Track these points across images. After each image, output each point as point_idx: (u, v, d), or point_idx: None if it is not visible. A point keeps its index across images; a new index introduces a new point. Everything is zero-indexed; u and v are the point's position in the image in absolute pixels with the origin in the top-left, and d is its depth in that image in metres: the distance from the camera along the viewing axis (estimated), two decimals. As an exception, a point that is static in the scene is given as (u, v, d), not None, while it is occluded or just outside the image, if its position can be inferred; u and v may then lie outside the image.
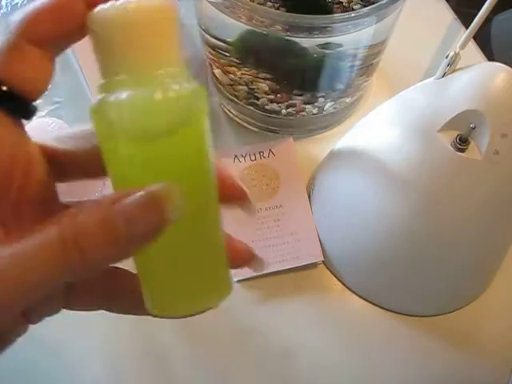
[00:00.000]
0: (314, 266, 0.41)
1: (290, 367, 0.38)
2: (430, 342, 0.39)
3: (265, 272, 0.40)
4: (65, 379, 0.37)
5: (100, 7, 0.15)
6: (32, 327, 0.39)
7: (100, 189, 0.36)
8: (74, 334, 0.38)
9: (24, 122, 0.17)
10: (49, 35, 0.15)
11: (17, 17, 0.15)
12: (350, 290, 0.41)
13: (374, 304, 0.40)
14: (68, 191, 0.33)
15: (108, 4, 0.15)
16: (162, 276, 0.19)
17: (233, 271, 0.43)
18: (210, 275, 0.20)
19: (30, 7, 0.15)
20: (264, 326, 0.39)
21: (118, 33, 0.15)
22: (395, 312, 0.40)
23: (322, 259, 0.41)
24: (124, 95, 0.16)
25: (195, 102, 0.17)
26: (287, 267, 0.40)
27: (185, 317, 0.20)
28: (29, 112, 0.17)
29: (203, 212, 0.19)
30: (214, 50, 0.43)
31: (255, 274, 0.40)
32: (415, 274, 0.38)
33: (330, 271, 0.42)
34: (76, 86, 0.47)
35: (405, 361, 0.38)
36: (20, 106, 0.16)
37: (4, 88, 0.15)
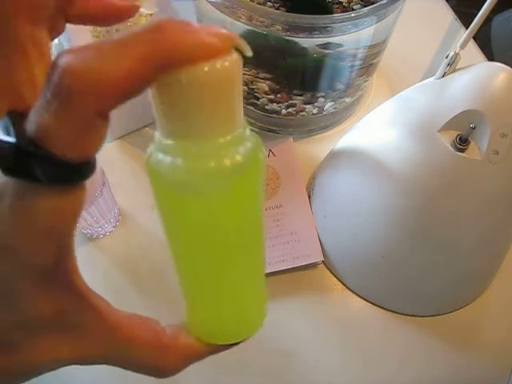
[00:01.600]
0: (314, 266, 0.41)
1: (289, 367, 0.38)
2: (430, 342, 0.39)
3: (265, 272, 0.40)
4: (65, 379, 0.37)
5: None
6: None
7: (100, 189, 0.36)
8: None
9: None
10: (119, 104, 0.14)
11: (81, 85, 0.13)
12: (350, 289, 0.41)
13: (373, 304, 0.40)
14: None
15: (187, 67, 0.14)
16: (207, 304, 0.21)
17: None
18: (250, 307, 0.22)
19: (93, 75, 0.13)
20: (264, 325, 0.39)
21: (196, 93, 0.14)
22: (395, 312, 0.40)
23: (322, 259, 0.41)
24: (181, 161, 0.16)
25: (248, 164, 0.17)
26: (287, 267, 0.40)
27: (226, 346, 0.22)
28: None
29: (252, 255, 0.20)
30: (214, 50, 0.43)
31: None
32: (415, 274, 0.38)
33: (330, 271, 0.42)
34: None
35: (405, 361, 0.38)
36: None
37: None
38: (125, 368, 0.20)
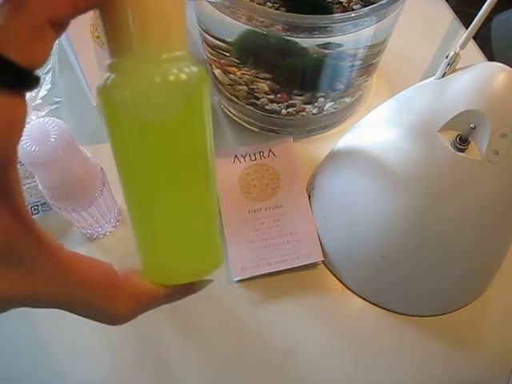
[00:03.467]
0: (314, 266, 0.41)
1: (289, 367, 0.38)
2: (430, 342, 0.39)
3: (265, 272, 0.40)
4: (64, 379, 0.37)
5: None
6: (31, 328, 0.39)
7: (100, 189, 0.36)
8: (73, 334, 0.38)
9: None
10: (69, 17, 0.14)
11: None
12: (350, 289, 0.41)
13: (373, 304, 0.40)
14: (69, 191, 0.33)
15: None
16: (156, 241, 0.20)
17: (233, 271, 0.44)
18: (201, 245, 0.21)
19: None
20: (264, 325, 0.39)
21: (132, 12, 0.15)
22: (395, 312, 0.40)
23: (322, 259, 0.41)
24: (128, 78, 0.16)
25: (195, 86, 0.17)
26: (287, 267, 0.40)
27: (181, 289, 0.21)
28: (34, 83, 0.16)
29: (200, 190, 0.19)
30: (213, 50, 0.43)
31: (255, 274, 0.40)
32: (415, 274, 0.38)
33: (330, 271, 0.42)
34: (76, 86, 0.47)
35: (405, 361, 0.38)
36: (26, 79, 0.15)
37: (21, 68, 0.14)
38: (74, 312, 0.19)
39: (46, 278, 0.17)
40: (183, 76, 0.16)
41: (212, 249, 0.21)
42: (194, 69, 0.17)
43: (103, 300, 0.19)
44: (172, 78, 0.16)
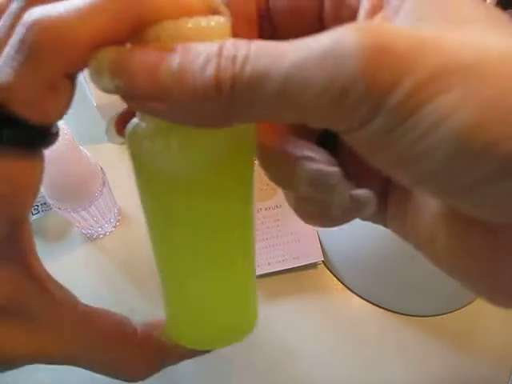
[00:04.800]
0: (314, 266, 0.41)
1: (289, 366, 0.38)
2: (430, 342, 0.39)
3: (265, 272, 0.40)
4: (65, 379, 0.37)
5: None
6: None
7: (100, 189, 0.36)
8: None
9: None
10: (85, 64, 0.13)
11: (48, 39, 0.12)
12: (350, 289, 0.41)
13: (373, 304, 0.40)
14: (69, 191, 0.33)
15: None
16: (188, 305, 0.18)
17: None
18: (236, 311, 0.19)
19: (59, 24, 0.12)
20: (264, 325, 0.39)
21: None
22: (395, 312, 0.40)
23: (322, 259, 0.41)
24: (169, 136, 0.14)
25: (243, 133, 0.15)
26: (287, 267, 0.40)
27: (207, 350, 0.19)
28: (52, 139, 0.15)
29: (241, 251, 0.18)
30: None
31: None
32: (415, 274, 0.38)
33: (330, 271, 0.42)
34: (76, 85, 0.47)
35: (405, 360, 0.38)
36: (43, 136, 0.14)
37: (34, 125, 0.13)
38: (91, 370, 0.18)
39: (59, 336, 0.16)
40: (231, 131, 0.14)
41: (247, 314, 0.19)
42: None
43: (121, 359, 0.18)
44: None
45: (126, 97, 0.13)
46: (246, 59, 0.11)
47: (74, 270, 0.40)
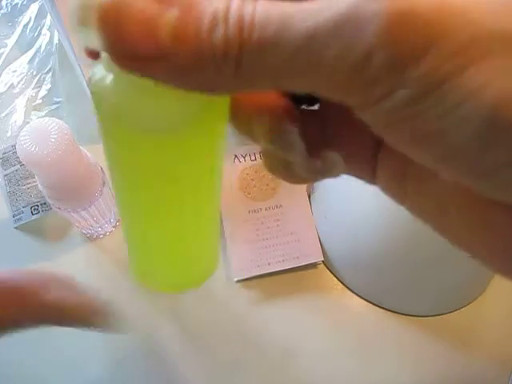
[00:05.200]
0: (314, 266, 0.41)
1: (289, 367, 0.38)
2: (430, 342, 0.39)
3: (265, 272, 0.40)
4: (64, 378, 0.37)
5: None
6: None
7: (100, 189, 0.36)
8: (73, 333, 0.38)
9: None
10: None
11: None
12: (350, 289, 0.41)
13: (373, 304, 0.40)
14: (69, 191, 0.33)
15: None
16: (150, 251, 0.19)
17: (233, 271, 0.44)
18: (197, 259, 0.20)
19: None
20: (264, 325, 0.39)
21: None
22: (395, 312, 0.40)
23: (322, 259, 0.41)
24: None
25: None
26: (287, 267, 0.40)
27: (165, 293, 0.21)
28: None
29: (204, 193, 0.17)
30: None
31: (255, 274, 0.40)
32: (415, 274, 0.38)
33: (330, 271, 0.42)
34: (76, 86, 0.47)
35: (404, 360, 0.38)
36: None
37: None
38: None
39: None
40: None
41: (207, 261, 0.20)
42: None
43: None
44: None
45: (116, 56, 0.11)
46: (252, 23, 0.10)
47: (74, 270, 0.40)
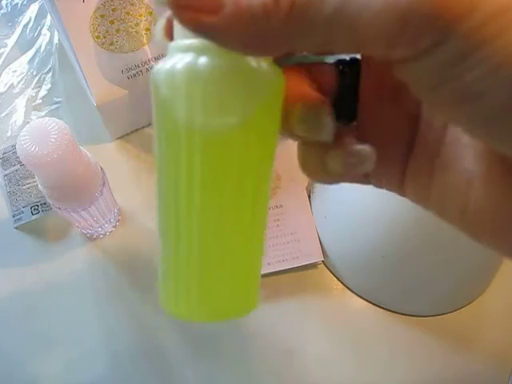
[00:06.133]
0: (314, 266, 0.41)
1: (289, 367, 0.38)
2: (430, 342, 0.39)
3: (265, 272, 0.40)
4: (64, 379, 0.37)
5: None
6: (31, 329, 0.39)
7: (100, 189, 0.36)
8: (73, 334, 0.38)
9: None
10: None
11: None
12: (350, 289, 0.41)
13: (374, 304, 0.40)
14: (69, 191, 0.33)
15: None
16: (187, 270, 0.17)
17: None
18: (243, 283, 0.18)
19: None
20: (264, 325, 0.39)
21: None
22: (395, 312, 0.40)
23: (322, 259, 0.41)
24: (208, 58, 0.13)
25: (277, 82, 0.14)
26: (287, 267, 0.40)
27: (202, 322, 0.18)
28: None
29: (254, 212, 0.16)
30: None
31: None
32: (415, 274, 0.38)
33: (330, 271, 0.41)
34: (76, 86, 0.47)
35: (404, 360, 0.38)
36: None
37: None
38: None
39: None
40: (267, 69, 0.14)
41: (250, 289, 0.18)
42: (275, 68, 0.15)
43: None
44: (254, 66, 0.13)
45: (176, 7, 0.12)
46: None
47: (73, 270, 0.40)
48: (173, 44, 0.14)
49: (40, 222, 0.42)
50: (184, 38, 0.13)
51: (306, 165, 0.16)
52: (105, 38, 0.41)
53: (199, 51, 0.13)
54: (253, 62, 0.13)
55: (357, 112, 0.17)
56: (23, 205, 0.42)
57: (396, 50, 0.11)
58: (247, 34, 0.12)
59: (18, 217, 0.42)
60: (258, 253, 0.18)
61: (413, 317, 0.40)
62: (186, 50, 0.13)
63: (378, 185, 0.17)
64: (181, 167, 0.15)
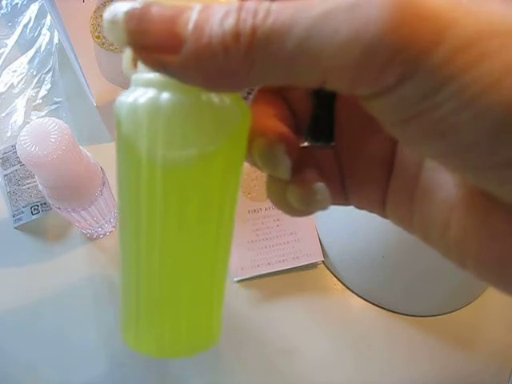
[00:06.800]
0: (314, 266, 0.41)
1: (289, 367, 0.38)
2: (430, 342, 0.39)
3: (265, 272, 0.40)
4: (64, 379, 0.37)
5: None
6: (31, 329, 0.39)
7: (100, 189, 0.36)
8: (73, 334, 0.38)
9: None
10: None
11: None
12: (350, 290, 0.41)
13: (374, 304, 0.40)
14: (69, 191, 0.33)
15: None
16: (146, 304, 0.16)
17: (233, 271, 0.44)
18: (203, 319, 0.17)
19: None
20: (264, 325, 0.39)
21: None
22: (395, 312, 0.40)
23: (322, 259, 0.41)
24: (165, 98, 0.13)
25: (241, 117, 0.14)
26: (287, 267, 0.40)
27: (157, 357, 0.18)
28: None
29: (213, 248, 0.16)
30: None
31: (255, 273, 0.40)
32: (415, 275, 0.38)
33: (330, 271, 0.42)
34: (76, 86, 0.47)
35: (404, 360, 0.38)
36: None
37: None
38: None
39: None
40: (230, 104, 0.14)
41: (211, 325, 0.18)
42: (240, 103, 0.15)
43: None
44: (217, 101, 0.13)
45: (138, 48, 0.12)
46: (267, 11, 0.11)
47: (74, 270, 0.40)
48: (135, 76, 0.14)
49: (40, 222, 0.42)
50: (146, 71, 0.14)
51: (269, 194, 0.16)
52: (105, 38, 0.41)
53: (161, 86, 0.13)
54: (216, 96, 0.14)
55: (333, 133, 0.17)
56: (23, 205, 0.42)
57: (359, 85, 0.11)
58: (208, 71, 0.12)
59: (18, 217, 0.42)
60: (221, 283, 0.17)
61: (413, 317, 0.40)
62: (149, 84, 0.13)
63: (360, 207, 0.17)
64: (141, 199, 0.15)
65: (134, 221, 0.15)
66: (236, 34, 0.11)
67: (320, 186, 0.15)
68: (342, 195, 0.17)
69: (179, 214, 0.15)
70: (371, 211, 0.17)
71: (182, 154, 0.14)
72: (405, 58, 0.10)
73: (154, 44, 0.12)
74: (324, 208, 0.15)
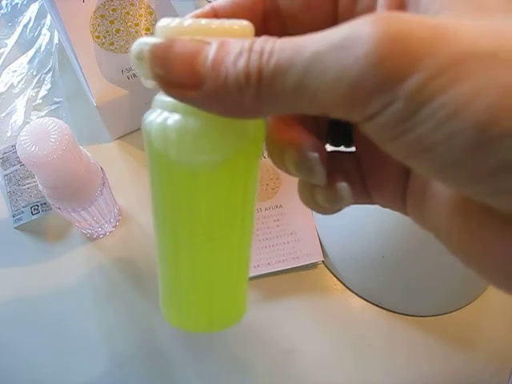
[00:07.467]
0: (314, 266, 0.41)
1: (289, 366, 0.38)
2: (430, 342, 0.39)
3: (265, 272, 0.40)
4: (64, 379, 0.37)
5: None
6: (31, 329, 0.39)
7: (100, 189, 0.36)
8: (73, 334, 0.38)
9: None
10: None
11: None
12: (350, 289, 0.41)
13: (374, 304, 0.40)
14: (69, 191, 0.33)
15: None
16: (180, 287, 0.20)
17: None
18: (230, 296, 0.21)
19: None
20: (264, 325, 0.39)
21: None
22: (395, 312, 0.40)
23: (322, 259, 0.41)
24: (186, 121, 0.15)
25: (257, 128, 0.16)
26: (287, 267, 0.40)
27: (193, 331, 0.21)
28: None
29: (238, 236, 0.19)
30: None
31: (255, 274, 0.40)
32: (415, 274, 0.38)
33: (330, 271, 0.42)
34: (76, 86, 0.47)
35: (404, 360, 0.38)
36: None
37: None
38: None
39: None
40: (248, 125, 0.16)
41: (237, 302, 0.21)
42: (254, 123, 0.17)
43: None
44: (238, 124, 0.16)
45: (163, 84, 0.14)
46: (271, 52, 0.12)
47: (74, 270, 0.40)
48: (160, 98, 0.16)
49: (40, 221, 0.42)
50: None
51: (301, 196, 0.18)
52: (105, 38, 0.41)
53: (185, 111, 0.15)
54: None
55: (353, 138, 0.18)
56: (23, 205, 0.42)
57: (351, 114, 0.12)
58: (225, 104, 0.13)
59: (18, 217, 0.42)
60: (246, 268, 0.20)
61: (413, 317, 0.40)
62: (174, 109, 0.16)
63: (383, 205, 0.19)
64: (176, 201, 0.17)
65: (171, 221, 0.18)
66: (247, 75, 0.12)
67: (343, 186, 0.16)
68: (366, 194, 0.19)
69: (210, 213, 0.17)
70: (393, 209, 0.18)
71: (208, 160, 0.16)
72: (385, 89, 0.11)
73: (176, 81, 0.13)
74: (348, 205, 0.17)
